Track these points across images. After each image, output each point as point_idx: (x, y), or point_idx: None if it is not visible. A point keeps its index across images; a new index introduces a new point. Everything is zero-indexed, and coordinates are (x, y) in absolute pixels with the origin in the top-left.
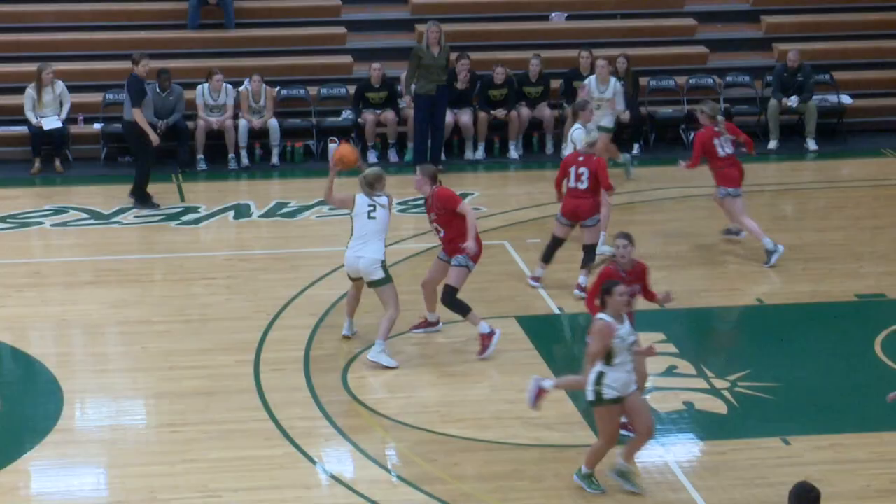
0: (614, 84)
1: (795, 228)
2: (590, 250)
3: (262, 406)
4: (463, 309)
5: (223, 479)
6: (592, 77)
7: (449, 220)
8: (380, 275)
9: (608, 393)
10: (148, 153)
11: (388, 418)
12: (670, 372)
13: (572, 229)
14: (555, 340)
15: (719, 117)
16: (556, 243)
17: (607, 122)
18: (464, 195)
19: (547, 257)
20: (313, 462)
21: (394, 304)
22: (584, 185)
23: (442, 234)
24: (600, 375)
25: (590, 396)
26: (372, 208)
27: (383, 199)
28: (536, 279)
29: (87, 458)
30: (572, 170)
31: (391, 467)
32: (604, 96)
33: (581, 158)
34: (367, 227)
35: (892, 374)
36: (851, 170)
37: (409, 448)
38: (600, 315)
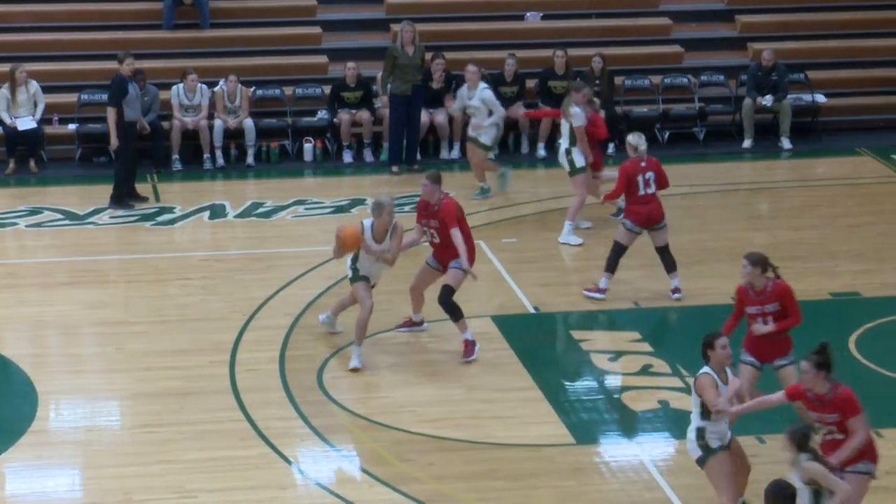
0: (481, 91)
1: (770, 227)
2: (667, 251)
3: (237, 406)
4: (456, 313)
5: (199, 479)
6: (465, 85)
7: (447, 230)
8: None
9: (714, 442)
10: (128, 153)
11: (364, 418)
12: (645, 371)
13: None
14: (531, 340)
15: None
16: (621, 251)
17: (486, 138)
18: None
19: (612, 266)
20: (289, 462)
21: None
22: (652, 190)
23: (437, 241)
24: (701, 431)
25: (697, 453)
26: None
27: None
28: (601, 290)
29: (62, 460)
30: (640, 178)
31: (367, 467)
32: (471, 103)
33: (643, 164)
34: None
35: (867, 372)
36: (826, 168)
37: (385, 448)
38: (704, 370)
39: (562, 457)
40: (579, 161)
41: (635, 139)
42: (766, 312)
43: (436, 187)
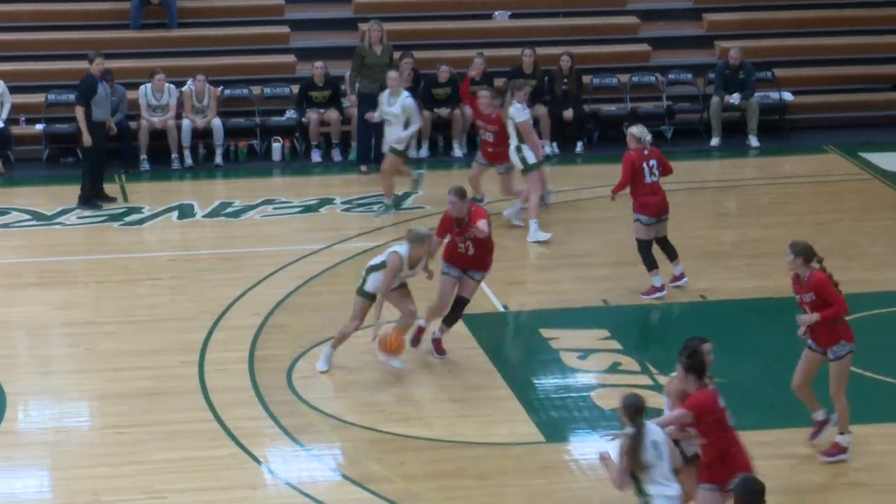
0: (404, 98)
1: (738, 225)
2: (668, 241)
3: (207, 406)
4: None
5: (169, 479)
6: (386, 91)
7: (481, 238)
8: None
9: (690, 449)
10: (96, 153)
11: (334, 417)
12: (614, 369)
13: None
14: (499, 338)
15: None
16: (648, 246)
17: (398, 143)
18: (407, 194)
19: (651, 262)
20: (259, 462)
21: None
22: (656, 177)
23: (472, 252)
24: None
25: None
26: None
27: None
28: (660, 289)
29: (30, 461)
30: (644, 166)
31: (337, 467)
32: (391, 110)
33: (646, 152)
34: None
35: None
36: (793, 166)
37: (354, 447)
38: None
39: (532, 455)
40: (531, 158)
41: (639, 130)
42: (804, 302)
43: (464, 202)
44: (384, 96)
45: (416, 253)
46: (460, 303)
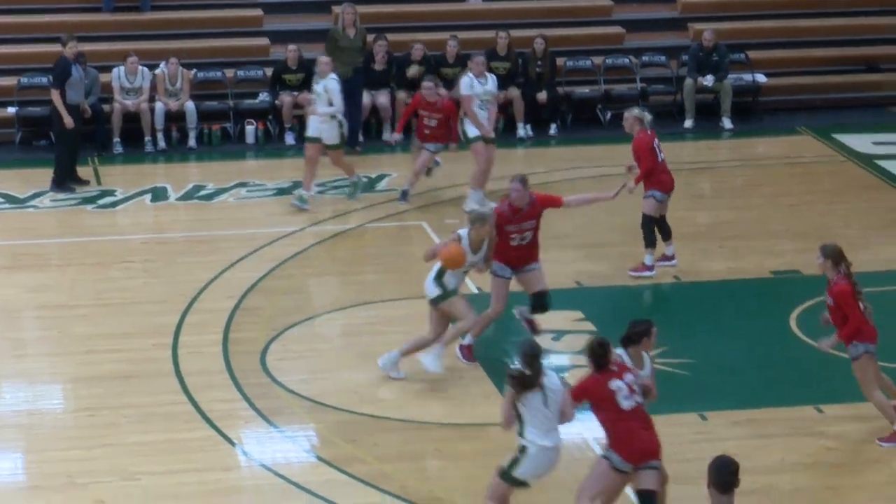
0: (329, 80)
1: (712, 207)
2: (665, 220)
3: (181, 389)
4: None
5: (142, 462)
6: (316, 74)
7: (539, 226)
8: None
9: None
10: (70, 136)
11: (308, 399)
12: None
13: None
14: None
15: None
16: (653, 223)
17: (329, 137)
18: (381, 176)
19: (652, 241)
20: (233, 444)
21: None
22: (664, 155)
23: (526, 243)
24: None
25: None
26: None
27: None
28: (649, 268)
29: (3, 443)
30: (655, 144)
31: (311, 448)
32: (316, 88)
33: (649, 132)
34: None
35: (807, 349)
36: (766, 148)
37: (328, 429)
38: (619, 351)
39: (505, 436)
40: (472, 131)
41: (641, 111)
42: (828, 305)
43: (528, 191)
44: (316, 78)
45: (478, 234)
46: (543, 295)
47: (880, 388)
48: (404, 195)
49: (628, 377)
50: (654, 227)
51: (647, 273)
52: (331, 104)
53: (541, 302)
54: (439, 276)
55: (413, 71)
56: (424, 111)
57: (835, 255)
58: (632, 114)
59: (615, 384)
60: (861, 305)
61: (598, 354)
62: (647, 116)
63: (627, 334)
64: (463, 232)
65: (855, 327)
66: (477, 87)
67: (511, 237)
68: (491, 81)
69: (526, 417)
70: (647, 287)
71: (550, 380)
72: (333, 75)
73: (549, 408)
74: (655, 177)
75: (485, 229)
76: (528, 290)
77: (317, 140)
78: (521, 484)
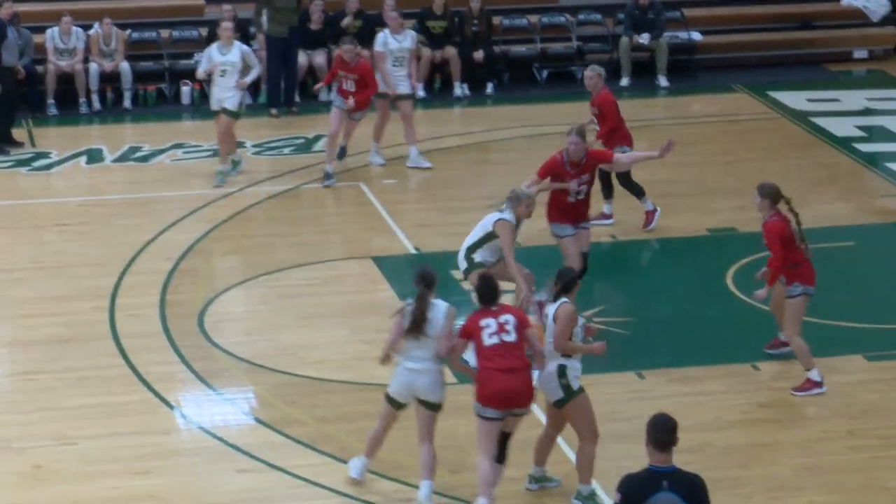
0: (238, 47)
1: (648, 165)
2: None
3: (118, 352)
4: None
5: (80, 426)
6: (216, 44)
7: (593, 181)
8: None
9: (575, 382)
10: (5, 98)
11: (246, 361)
12: (524, 310)
13: None
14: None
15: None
16: (608, 179)
17: (230, 102)
18: (318, 137)
19: (640, 190)
20: (171, 407)
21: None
22: None
23: (582, 197)
24: (563, 369)
25: (558, 394)
26: None
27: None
28: (606, 215)
29: None
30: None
31: (250, 410)
32: (228, 59)
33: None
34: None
35: (743, 307)
36: (702, 106)
37: (267, 391)
38: (565, 300)
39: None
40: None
41: (601, 68)
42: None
43: (585, 143)
44: (214, 48)
45: (519, 213)
46: (587, 256)
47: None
48: (343, 152)
49: (505, 317)
50: (631, 179)
51: (653, 223)
52: (247, 70)
53: (585, 263)
54: (471, 251)
55: (347, 21)
56: (342, 71)
57: (772, 195)
58: (595, 71)
59: (485, 321)
60: (802, 247)
61: (479, 288)
62: (603, 73)
63: (564, 284)
64: (507, 216)
65: (778, 266)
66: (392, 43)
67: (565, 195)
68: (408, 38)
69: (407, 344)
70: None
71: (437, 306)
72: (238, 42)
73: (429, 335)
74: (621, 132)
75: (522, 209)
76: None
77: (222, 112)
78: (393, 402)
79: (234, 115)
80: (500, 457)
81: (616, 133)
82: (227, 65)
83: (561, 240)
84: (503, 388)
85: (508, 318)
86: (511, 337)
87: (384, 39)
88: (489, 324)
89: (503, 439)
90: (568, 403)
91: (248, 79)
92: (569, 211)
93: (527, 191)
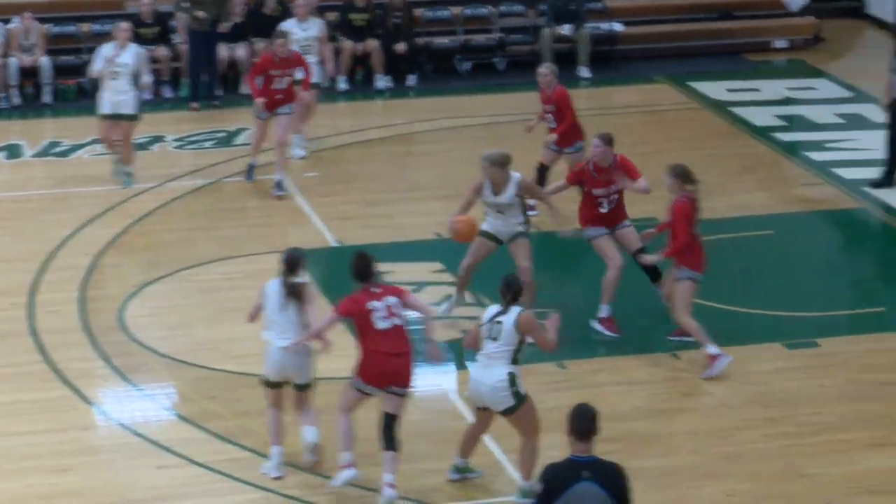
0: (135, 49)
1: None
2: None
3: (36, 348)
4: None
5: None
6: (111, 43)
7: (622, 190)
8: None
9: (522, 388)
10: None
11: (167, 356)
12: (448, 300)
13: None
14: (334, 273)
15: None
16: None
17: (128, 106)
18: (239, 130)
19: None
20: (90, 403)
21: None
22: None
23: (614, 205)
24: (512, 377)
25: (508, 403)
26: None
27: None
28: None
29: None
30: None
31: (171, 406)
32: (121, 61)
33: None
34: None
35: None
36: (624, 97)
37: (188, 386)
38: (521, 308)
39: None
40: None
41: (553, 66)
42: (667, 224)
43: (611, 149)
44: (108, 48)
45: (487, 174)
46: (644, 250)
47: None
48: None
49: (390, 300)
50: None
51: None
52: (139, 77)
53: (647, 257)
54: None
55: (270, 6)
56: (273, 70)
57: (682, 175)
58: (549, 69)
59: (373, 304)
60: (696, 232)
61: (358, 267)
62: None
63: (514, 292)
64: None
65: (681, 245)
66: (297, 32)
67: (599, 201)
68: (314, 26)
69: (270, 318)
70: None
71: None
72: (134, 46)
73: (289, 311)
74: (575, 127)
75: (488, 170)
76: (627, 249)
77: (117, 116)
78: (266, 381)
79: (135, 119)
80: (391, 443)
81: (570, 128)
82: (120, 66)
83: (594, 241)
84: (388, 369)
85: (393, 301)
86: (400, 321)
87: (289, 28)
88: (377, 307)
89: (389, 422)
90: (518, 410)
91: (148, 79)
92: (600, 218)
93: (499, 153)
